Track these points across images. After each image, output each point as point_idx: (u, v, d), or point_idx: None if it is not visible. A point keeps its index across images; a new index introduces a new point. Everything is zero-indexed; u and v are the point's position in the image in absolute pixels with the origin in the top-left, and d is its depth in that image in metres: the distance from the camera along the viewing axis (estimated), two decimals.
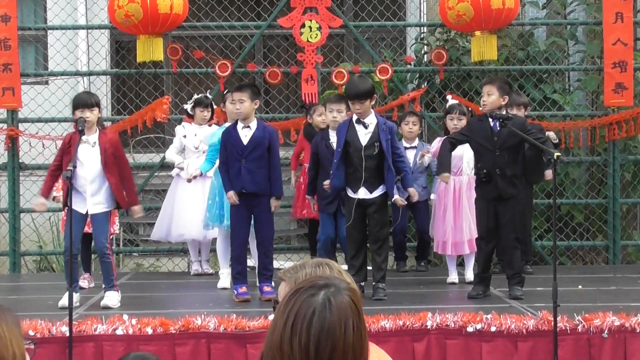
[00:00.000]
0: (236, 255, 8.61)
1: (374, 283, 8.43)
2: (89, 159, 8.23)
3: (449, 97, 10.15)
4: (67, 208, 8.11)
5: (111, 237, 9.19)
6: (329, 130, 9.25)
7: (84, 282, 9.47)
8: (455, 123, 9.30)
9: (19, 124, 11.36)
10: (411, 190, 8.68)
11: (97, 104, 8.34)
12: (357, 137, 8.46)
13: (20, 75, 11.23)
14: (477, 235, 8.70)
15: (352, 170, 8.47)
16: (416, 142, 10.26)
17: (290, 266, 3.66)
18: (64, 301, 7.70)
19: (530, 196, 10.16)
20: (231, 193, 8.47)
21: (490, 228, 8.41)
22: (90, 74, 11.99)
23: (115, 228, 10.02)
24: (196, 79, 12.03)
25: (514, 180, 8.39)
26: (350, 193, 8.49)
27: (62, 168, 8.11)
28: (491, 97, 8.43)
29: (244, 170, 8.47)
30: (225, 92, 9.91)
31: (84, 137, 8.16)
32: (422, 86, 11.89)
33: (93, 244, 10.02)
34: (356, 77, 9.61)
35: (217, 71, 11.28)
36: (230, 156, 8.54)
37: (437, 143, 9.57)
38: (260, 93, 9.77)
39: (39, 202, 8.44)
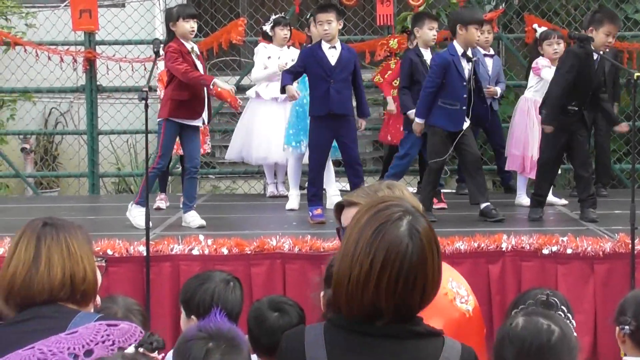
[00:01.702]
0: (313, 177, 8.58)
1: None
2: (200, 70, 8.22)
3: (535, 25, 9.97)
4: (166, 121, 8.13)
5: None
6: (420, 48, 9.20)
7: (161, 202, 9.58)
8: (555, 48, 9.10)
9: (96, 47, 11.44)
10: None
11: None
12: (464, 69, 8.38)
13: None
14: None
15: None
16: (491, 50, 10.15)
17: (359, 190, 3.61)
18: (139, 221, 7.78)
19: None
20: (290, 88, 8.39)
21: (560, 155, 8.36)
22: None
23: (206, 147, 10.03)
24: (271, 0, 11.97)
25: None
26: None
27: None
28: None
29: (333, 91, 8.36)
30: (309, 16, 9.74)
31: (195, 47, 8.22)
32: (500, 7, 11.68)
33: (171, 164, 10.15)
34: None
35: None
36: (316, 77, 8.43)
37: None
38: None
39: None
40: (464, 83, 8.35)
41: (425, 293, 2.65)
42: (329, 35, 8.42)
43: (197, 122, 8.23)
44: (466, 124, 8.37)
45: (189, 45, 8.21)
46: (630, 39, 11.28)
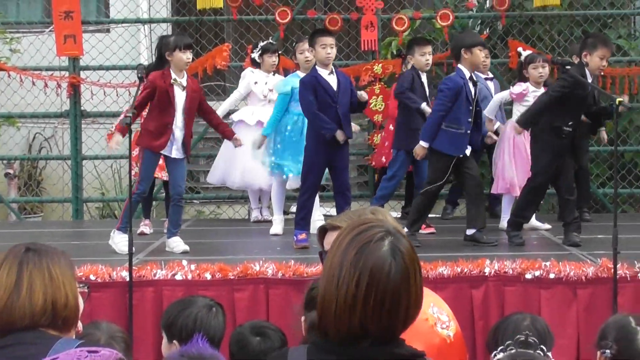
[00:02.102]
0: (305, 200, 8.50)
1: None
2: (180, 102, 8.23)
3: (520, 48, 10.05)
4: (143, 150, 8.22)
5: None
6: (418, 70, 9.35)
7: (145, 228, 9.57)
8: (540, 71, 9.19)
9: (81, 72, 11.45)
10: None
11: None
12: (471, 92, 8.44)
13: (82, 23, 11.28)
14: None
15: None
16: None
17: (342, 214, 3.62)
18: (122, 247, 7.76)
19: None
20: (340, 132, 8.34)
21: (551, 179, 8.41)
22: (150, 21, 12.03)
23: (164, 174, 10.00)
24: (256, 26, 12.01)
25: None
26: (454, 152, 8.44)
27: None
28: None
29: (342, 117, 8.38)
30: (296, 42, 9.68)
31: (179, 80, 8.20)
32: (484, 32, 11.74)
33: (155, 190, 10.17)
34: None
35: (277, 18, 11.24)
36: (323, 104, 8.36)
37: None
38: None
39: None
40: (470, 107, 8.40)
41: (408, 313, 2.66)
42: (331, 59, 8.40)
43: (177, 154, 8.25)
44: (469, 149, 8.42)
45: (179, 75, 8.22)
46: (613, 64, 11.35)
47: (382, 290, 2.60)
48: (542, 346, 3.75)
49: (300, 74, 8.99)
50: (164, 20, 12.16)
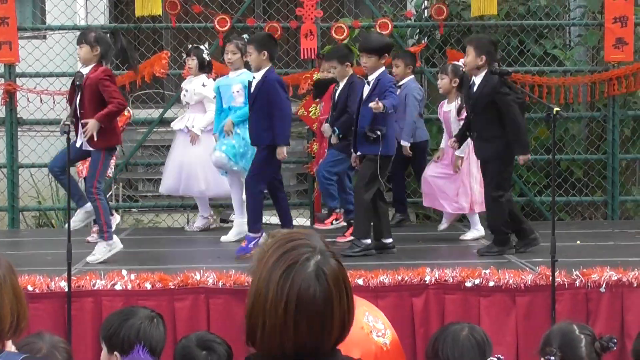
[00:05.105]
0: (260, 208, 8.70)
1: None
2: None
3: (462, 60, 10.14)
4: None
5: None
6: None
7: (92, 237, 9.43)
8: (439, 82, 9.55)
9: (17, 79, 11.31)
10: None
11: (87, 41, 8.21)
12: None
13: (18, 29, 11.15)
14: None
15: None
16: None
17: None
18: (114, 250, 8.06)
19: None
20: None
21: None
22: (88, 28, 11.90)
23: (110, 172, 9.87)
24: (195, 33, 11.96)
25: (490, 142, 8.32)
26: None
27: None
28: (468, 57, 8.42)
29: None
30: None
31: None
32: (422, 41, 11.83)
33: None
34: (374, 32, 9.83)
35: (216, 26, 11.21)
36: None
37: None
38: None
39: None
40: None
41: (341, 330, 2.66)
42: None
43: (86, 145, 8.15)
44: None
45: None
46: (549, 74, 11.50)
47: (310, 314, 2.60)
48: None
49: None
50: (102, 28, 12.03)
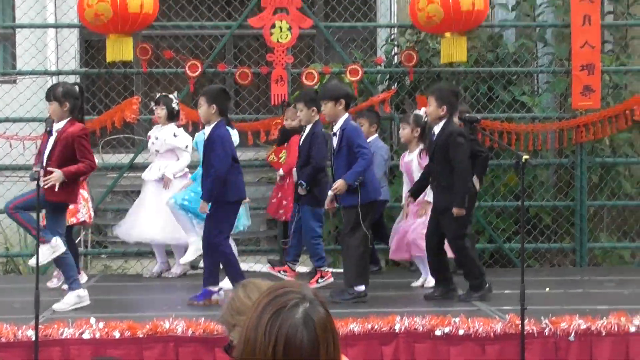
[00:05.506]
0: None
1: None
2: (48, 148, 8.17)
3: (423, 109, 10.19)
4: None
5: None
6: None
7: (51, 282, 9.38)
8: (400, 131, 9.78)
9: None
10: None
11: (56, 97, 8.15)
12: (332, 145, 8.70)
13: None
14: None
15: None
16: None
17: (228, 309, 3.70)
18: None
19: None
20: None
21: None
22: (59, 73, 11.90)
23: (80, 216, 9.75)
24: (166, 79, 11.99)
25: (447, 191, 8.42)
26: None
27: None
28: (430, 107, 8.54)
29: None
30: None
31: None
32: (392, 87, 11.90)
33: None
34: (335, 81, 9.95)
35: (187, 71, 11.24)
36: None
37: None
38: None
39: None
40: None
41: None
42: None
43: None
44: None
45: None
46: (517, 121, 11.59)
47: (298, 359, 2.61)
48: None
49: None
50: (73, 73, 12.03)
